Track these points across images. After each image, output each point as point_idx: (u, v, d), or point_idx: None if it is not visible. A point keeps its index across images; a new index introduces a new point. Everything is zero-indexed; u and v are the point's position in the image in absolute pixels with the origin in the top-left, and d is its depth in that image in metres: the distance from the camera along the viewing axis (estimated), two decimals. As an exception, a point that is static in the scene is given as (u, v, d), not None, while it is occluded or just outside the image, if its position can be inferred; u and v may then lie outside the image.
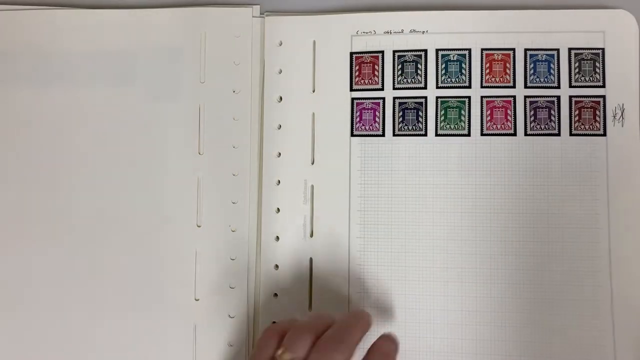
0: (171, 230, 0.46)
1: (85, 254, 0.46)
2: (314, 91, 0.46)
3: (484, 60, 0.45)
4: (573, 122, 0.44)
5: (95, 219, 0.46)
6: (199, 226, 0.46)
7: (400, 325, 0.43)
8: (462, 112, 0.45)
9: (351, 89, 0.46)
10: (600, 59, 0.44)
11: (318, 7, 0.47)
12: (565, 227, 0.43)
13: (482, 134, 0.45)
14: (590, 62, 0.45)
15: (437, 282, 0.43)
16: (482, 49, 0.45)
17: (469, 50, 0.45)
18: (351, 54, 0.46)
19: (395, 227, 0.44)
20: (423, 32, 0.45)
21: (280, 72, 0.46)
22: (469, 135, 0.45)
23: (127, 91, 0.47)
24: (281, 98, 0.46)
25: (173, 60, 0.47)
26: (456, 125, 0.45)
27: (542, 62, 0.45)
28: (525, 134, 0.44)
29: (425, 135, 0.45)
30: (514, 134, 0.44)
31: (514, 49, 0.45)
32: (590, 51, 0.45)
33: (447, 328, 0.43)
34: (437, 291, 0.43)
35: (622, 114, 0.44)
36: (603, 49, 0.44)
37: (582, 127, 0.44)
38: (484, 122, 0.45)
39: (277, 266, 0.45)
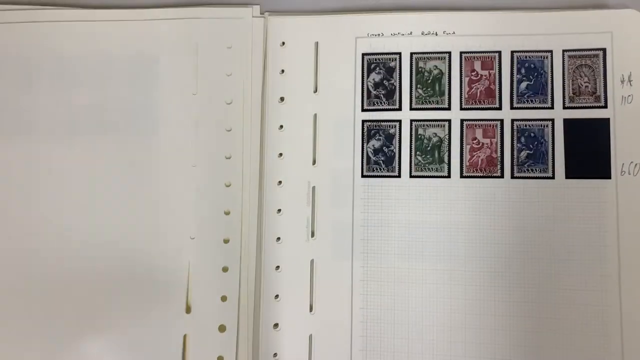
0: (164, 241, 0.45)
1: (78, 263, 0.45)
2: (316, 92, 0.46)
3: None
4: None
5: (88, 229, 0.46)
6: (192, 237, 0.45)
7: (402, 326, 0.43)
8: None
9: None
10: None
11: (318, 7, 0.47)
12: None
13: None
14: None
15: (440, 285, 0.43)
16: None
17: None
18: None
19: (398, 228, 0.44)
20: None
21: (283, 72, 0.46)
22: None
23: (121, 97, 0.47)
24: (283, 98, 0.46)
25: (167, 67, 0.47)
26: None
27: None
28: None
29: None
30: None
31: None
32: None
33: (450, 332, 0.43)
34: (440, 294, 0.43)
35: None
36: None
37: None
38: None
39: (278, 267, 0.45)
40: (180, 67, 0.47)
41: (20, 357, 0.45)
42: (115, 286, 0.45)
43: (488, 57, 0.44)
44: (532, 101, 0.44)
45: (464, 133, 0.44)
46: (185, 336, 0.44)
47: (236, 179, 0.46)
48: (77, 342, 0.45)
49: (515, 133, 0.44)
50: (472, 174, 0.44)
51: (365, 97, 0.45)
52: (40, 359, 0.45)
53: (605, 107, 0.43)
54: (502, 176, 0.44)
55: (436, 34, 0.45)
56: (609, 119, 0.43)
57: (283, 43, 0.47)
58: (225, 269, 0.45)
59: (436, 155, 0.44)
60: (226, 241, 0.45)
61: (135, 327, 0.45)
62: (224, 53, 0.47)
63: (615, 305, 0.42)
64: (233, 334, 0.44)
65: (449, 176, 0.44)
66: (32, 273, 0.46)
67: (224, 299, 0.45)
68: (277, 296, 0.44)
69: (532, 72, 0.44)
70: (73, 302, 0.45)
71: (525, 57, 0.44)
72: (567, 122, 0.44)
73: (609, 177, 0.43)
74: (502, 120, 0.44)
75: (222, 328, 0.44)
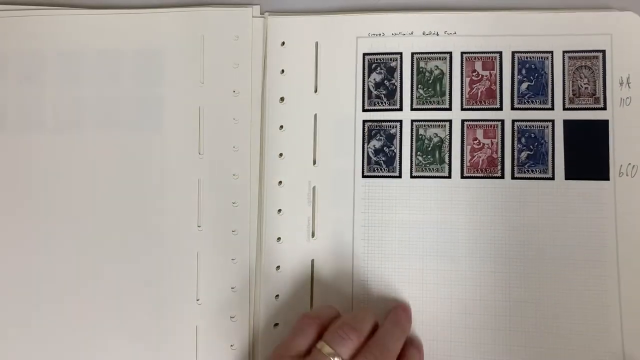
0: (172, 231, 0.45)
1: (86, 255, 0.46)
2: (316, 92, 0.46)
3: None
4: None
5: (96, 220, 0.46)
6: (200, 227, 0.45)
7: (402, 327, 0.43)
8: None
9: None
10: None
11: (318, 7, 0.47)
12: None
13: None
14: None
15: (441, 285, 0.43)
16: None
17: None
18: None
19: (398, 228, 0.44)
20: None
21: (283, 72, 0.46)
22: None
23: (126, 92, 0.47)
24: (283, 99, 0.46)
25: (172, 62, 0.47)
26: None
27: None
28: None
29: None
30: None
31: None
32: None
33: (450, 332, 0.43)
34: (440, 294, 0.43)
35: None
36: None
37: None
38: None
39: (278, 267, 0.45)
40: (187, 57, 0.47)
41: (37, 352, 0.45)
42: (125, 278, 0.45)
43: (489, 58, 0.45)
44: (532, 102, 0.44)
45: (465, 133, 0.44)
46: (197, 326, 0.44)
47: (243, 171, 0.45)
48: (89, 335, 0.45)
49: (515, 134, 0.44)
50: (473, 175, 0.44)
51: (366, 97, 0.45)
52: (56, 353, 0.45)
53: (605, 108, 0.44)
54: (502, 177, 0.44)
55: (437, 34, 0.45)
56: (608, 120, 0.43)
57: (283, 43, 0.46)
58: (234, 259, 0.45)
59: (437, 155, 0.44)
60: (234, 232, 0.45)
61: (146, 319, 0.45)
62: (231, 43, 0.47)
63: (614, 305, 0.42)
64: (245, 323, 0.44)
65: (449, 176, 0.44)
66: (40, 268, 0.46)
67: (234, 289, 0.45)
68: (277, 296, 0.44)
69: (532, 72, 0.44)
70: (83, 296, 0.45)
71: (526, 57, 0.44)
72: (567, 123, 0.44)
73: (608, 179, 0.43)
74: (502, 121, 0.44)
75: (233, 318, 0.44)
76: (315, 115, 0.46)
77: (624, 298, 0.42)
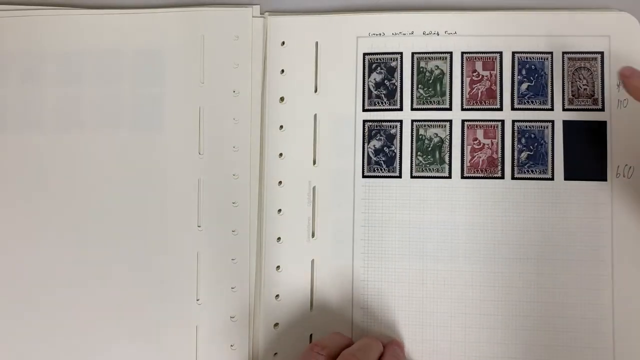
0: (172, 231, 0.45)
1: (85, 255, 0.46)
2: (316, 92, 0.46)
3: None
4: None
5: (95, 221, 0.46)
6: (200, 227, 0.45)
7: (402, 326, 0.43)
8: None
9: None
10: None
11: (318, 7, 0.47)
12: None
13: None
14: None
15: (441, 285, 0.43)
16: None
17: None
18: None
19: (399, 228, 0.44)
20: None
21: (283, 72, 0.46)
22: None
23: (126, 92, 0.47)
24: (283, 98, 0.46)
25: (172, 62, 0.47)
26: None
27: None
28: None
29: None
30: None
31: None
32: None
33: (450, 332, 0.43)
34: (440, 294, 0.43)
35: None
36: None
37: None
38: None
39: (278, 267, 0.45)
40: (187, 57, 0.47)
41: (38, 352, 0.45)
42: (124, 278, 0.45)
43: (489, 58, 0.45)
44: (532, 102, 0.44)
45: (465, 133, 0.44)
46: (197, 326, 0.44)
47: (243, 171, 0.45)
48: (89, 334, 0.45)
49: (516, 134, 0.44)
50: (473, 175, 0.44)
51: (366, 97, 0.45)
52: (56, 353, 0.45)
53: (603, 110, 0.44)
54: (502, 177, 0.44)
55: (437, 34, 0.45)
56: (606, 122, 0.44)
57: (283, 43, 0.46)
58: (234, 259, 0.45)
59: (437, 155, 0.44)
60: (234, 232, 0.45)
61: (146, 319, 0.45)
62: (231, 43, 0.47)
63: (608, 304, 0.42)
64: (244, 323, 0.44)
65: (449, 177, 0.44)
66: (40, 268, 0.46)
67: (234, 289, 0.45)
68: (277, 296, 0.44)
69: (532, 73, 0.44)
70: (83, 296, 0.45)
71: (526, 58, 0.44)
72: (566, 124, 0.44)
73: (605, 180, 0.43)
74: (502, 121, 0.44)
75: (233, 318, 0.44)
76: (315, 115, 0.46)
77: (617, 298, 0.42)
